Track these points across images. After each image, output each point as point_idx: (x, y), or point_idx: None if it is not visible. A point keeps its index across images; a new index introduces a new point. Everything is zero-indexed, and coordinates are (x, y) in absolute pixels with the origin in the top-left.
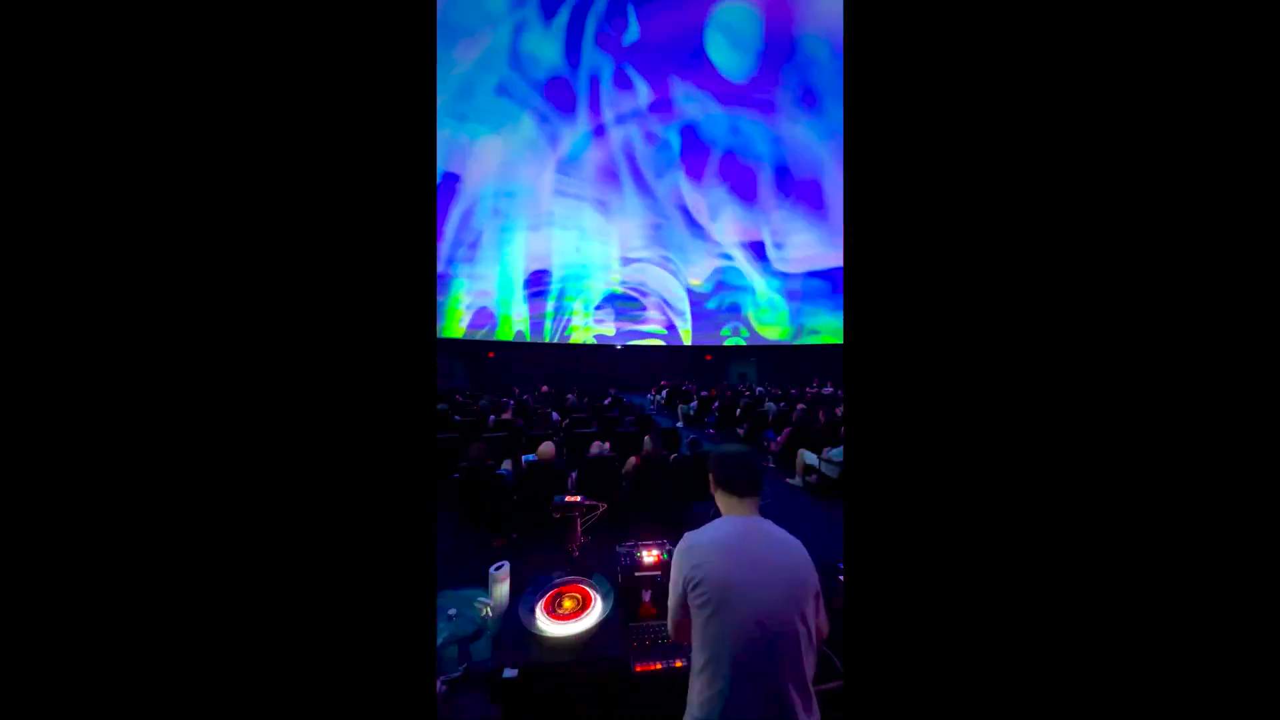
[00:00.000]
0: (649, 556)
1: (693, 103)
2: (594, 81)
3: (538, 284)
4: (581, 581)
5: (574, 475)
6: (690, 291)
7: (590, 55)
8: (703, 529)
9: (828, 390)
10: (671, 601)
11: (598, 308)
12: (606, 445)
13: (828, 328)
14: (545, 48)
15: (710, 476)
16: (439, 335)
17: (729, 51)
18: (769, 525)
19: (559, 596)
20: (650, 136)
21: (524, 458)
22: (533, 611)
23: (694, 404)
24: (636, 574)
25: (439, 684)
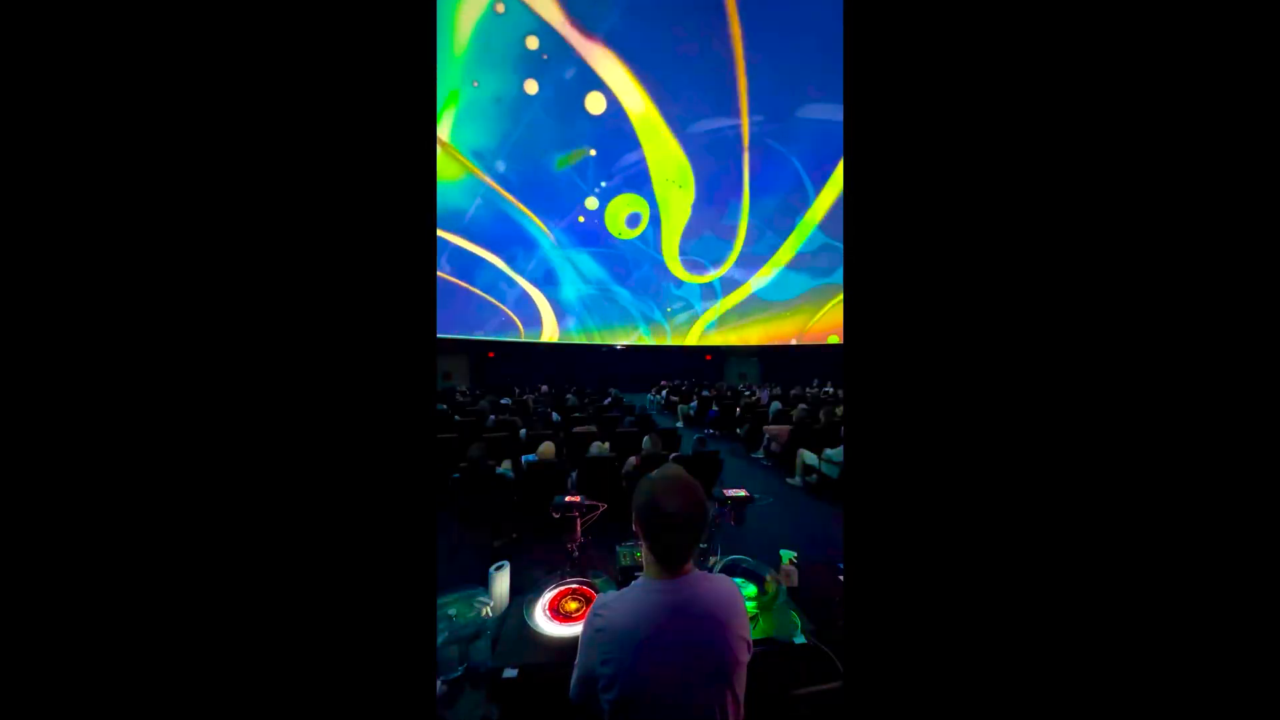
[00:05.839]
0: None
1: None
2: None
3: None
4: (585, 582)
5: (574, 475)
6: None
7: None
8: (619, 603)
9: (828, 390)
10: (577, 677)
11: None
12: (606, 445)
13: None
14: None
15: (633, 516)
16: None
17: None
18: (699, 590)
19: (563, 598)
20: None
21: (524, 458)
22: (534, 612)
23: (694, 404)
24: (636, 574)
25: (439, 684)
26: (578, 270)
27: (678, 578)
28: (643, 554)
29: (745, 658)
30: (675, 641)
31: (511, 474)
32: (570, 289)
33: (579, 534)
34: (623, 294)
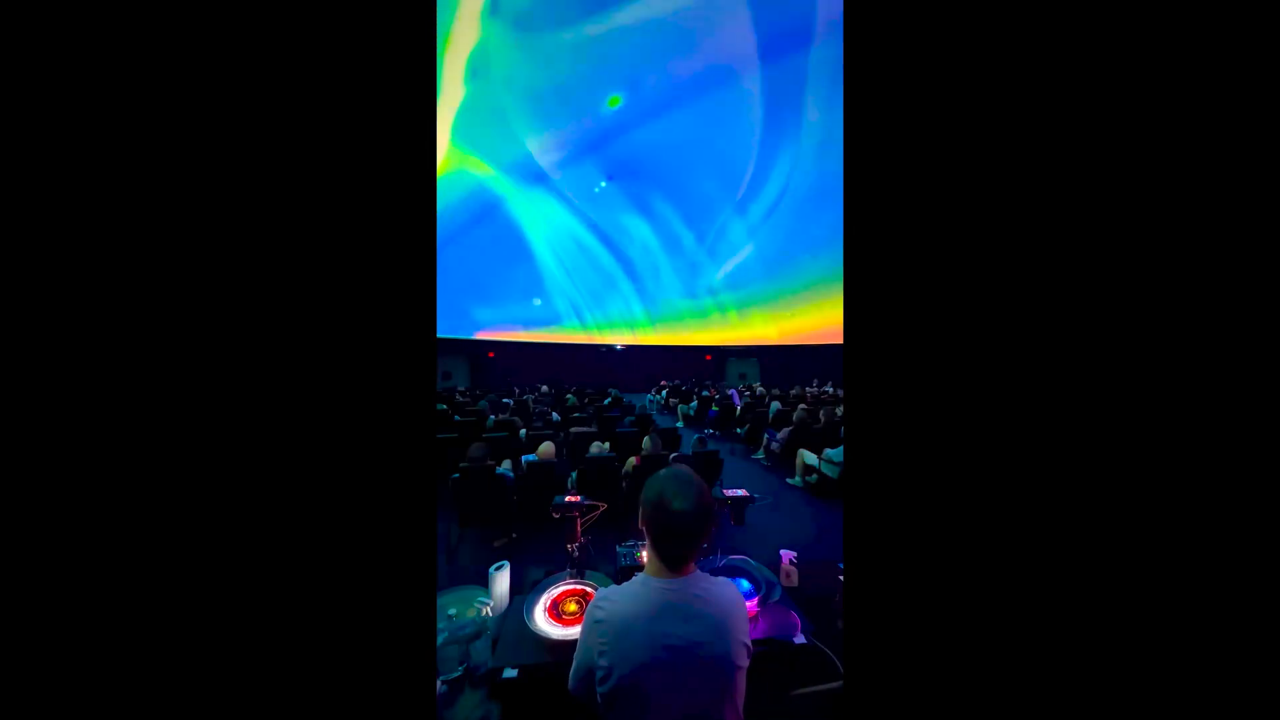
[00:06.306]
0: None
1: None
2: None
3: None
4: (584, 584)
5: (574, 475)
6: None
7: None
8: (619, 596)
9: (828, 389)
10: (575, 668)
11: None
12: (606, 445)
13: None
14: None
15: (640, 513)
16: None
17: None
18: (699, 590)
19: (562, 600)
20: None
21: (524, 458)
22: (534, 614)
23: (694, 404)
24: (636, 575)
25: (439, 684)
26: (589, 257)
27: (679, 576)
28: (646, 551)
29: (744, 662)
30: (671, 639)
31: (511, 474)
32: (568, 279)
33: (579, 534)
34: (626, 284)
